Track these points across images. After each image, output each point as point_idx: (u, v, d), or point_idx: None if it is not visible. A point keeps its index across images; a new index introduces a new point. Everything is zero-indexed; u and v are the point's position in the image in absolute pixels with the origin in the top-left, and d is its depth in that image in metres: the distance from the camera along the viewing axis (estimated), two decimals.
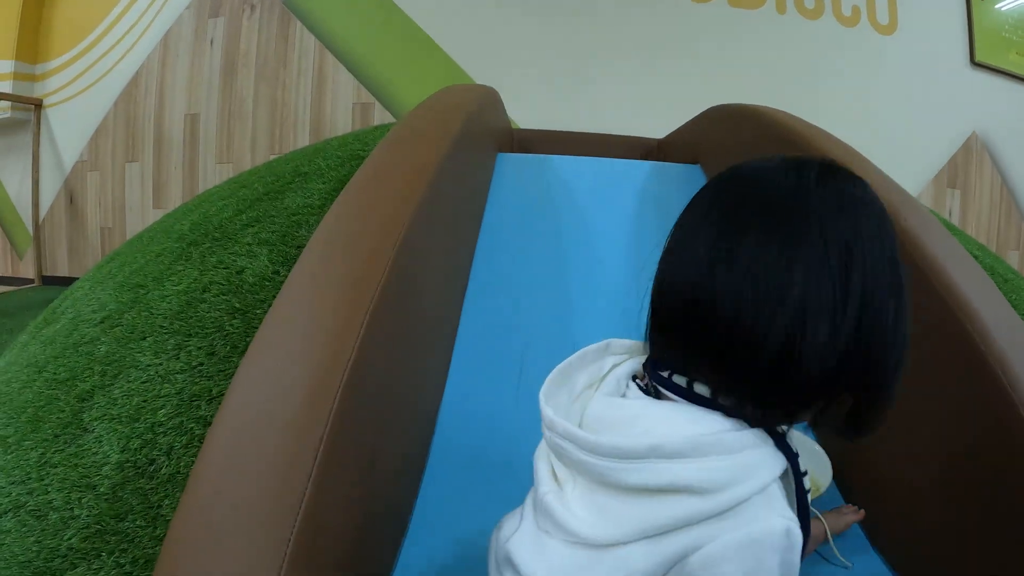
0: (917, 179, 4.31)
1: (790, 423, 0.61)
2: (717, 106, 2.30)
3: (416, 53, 3.80)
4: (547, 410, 0.62)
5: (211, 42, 3.83)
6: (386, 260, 0.80)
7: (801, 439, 0.98)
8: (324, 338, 0.70)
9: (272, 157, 3.67)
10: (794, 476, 0.61)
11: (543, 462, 0.65)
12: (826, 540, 0.97)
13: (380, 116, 3.78)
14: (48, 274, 4.18)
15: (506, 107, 2.81)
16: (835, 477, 1.06)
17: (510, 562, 0.62)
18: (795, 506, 0.60)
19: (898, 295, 0.57)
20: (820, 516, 0.98)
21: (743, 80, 3.99)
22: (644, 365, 0.66)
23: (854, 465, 1.08)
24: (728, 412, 0.59)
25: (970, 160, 4.40)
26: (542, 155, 2.28)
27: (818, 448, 1.04)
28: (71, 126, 4.08)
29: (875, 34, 4.22)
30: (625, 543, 0.56)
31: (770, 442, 0.59)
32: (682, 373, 0.61)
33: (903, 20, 4.24)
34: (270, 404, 0.64)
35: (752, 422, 0.58)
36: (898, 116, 4.23)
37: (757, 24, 4.05)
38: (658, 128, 2.88)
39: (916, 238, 1.04)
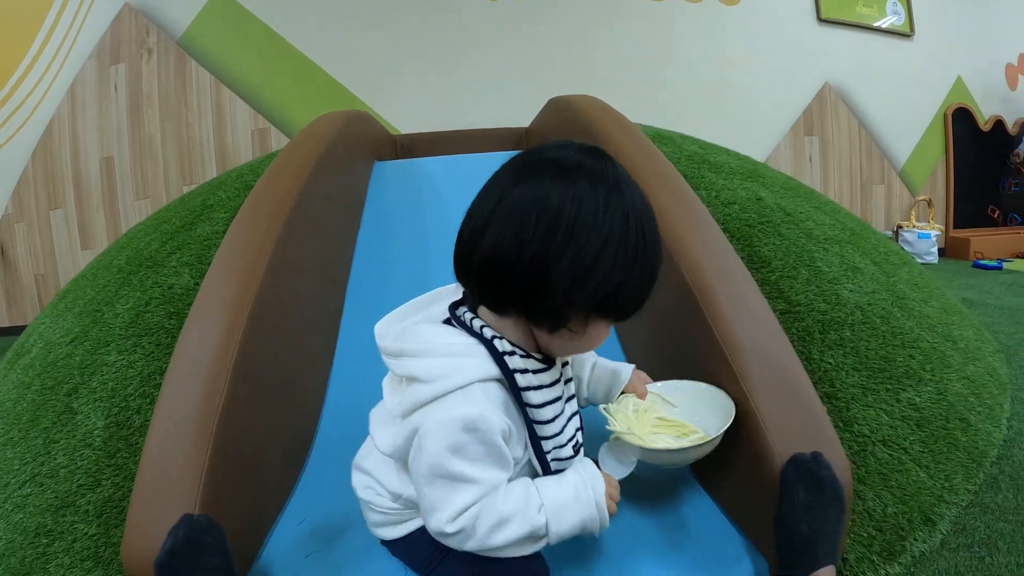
0: (774, 131, 4.77)
1: (539, 328, 0.77)
2: (555, 98, 2.58)
3: (302, 78, 4.11)
4: (379, 327, 0.86)
5: (115, 87, 3.99)
6: (260, 272, 1.20)
7: (702, 389, 1.05)
8: (220, 329, 1.08)
9: (185, 188, 3.93)
10: (511, 389, 0.78)
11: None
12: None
13: (277, 138, 4.09)
14: None
15: (389, 115, 3.12)
16: None
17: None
18: (519, 410, 0.80)
19: (608, 246, 0.71)
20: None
21: (600, 64, 4.40)
22: (450, 305, 0.86)
23: None
24: (472, 333, 0.79)
25: (825, 109, 4.87)
26: (418, 159, 2.56)
27: (721, 399, 1.00)
28: None
29: (721, 5, 4.62)
30: (402, 417, 0.78)
31: (485, 355, 0.77)
32: (469, 308, 0.83)
33: None
34: (191, 369, 1.02)
35: (487, 341, 0.78)
36: (751, 78, 4.67)
37: (608, 10, 4.43)
38: (525, 116, 3.13)
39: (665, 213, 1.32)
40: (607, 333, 0.81)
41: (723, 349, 1.02)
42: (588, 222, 0.70)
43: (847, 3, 4.94)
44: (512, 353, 0.79)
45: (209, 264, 1.52)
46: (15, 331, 4.02)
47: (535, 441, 0.82)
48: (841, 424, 1.28)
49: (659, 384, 1.08)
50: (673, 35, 4.55)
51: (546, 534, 0.78)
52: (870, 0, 5.01)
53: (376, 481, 0.89)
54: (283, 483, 1.17)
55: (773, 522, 0.87)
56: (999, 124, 5.42)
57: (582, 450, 0.91)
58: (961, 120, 5.30)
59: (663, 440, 0.97)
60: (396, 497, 0.88)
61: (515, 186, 0.73)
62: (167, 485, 0.87)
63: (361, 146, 2.39)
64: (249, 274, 1.18)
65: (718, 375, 1.04)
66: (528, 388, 0.79)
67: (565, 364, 0.91)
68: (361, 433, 0.95)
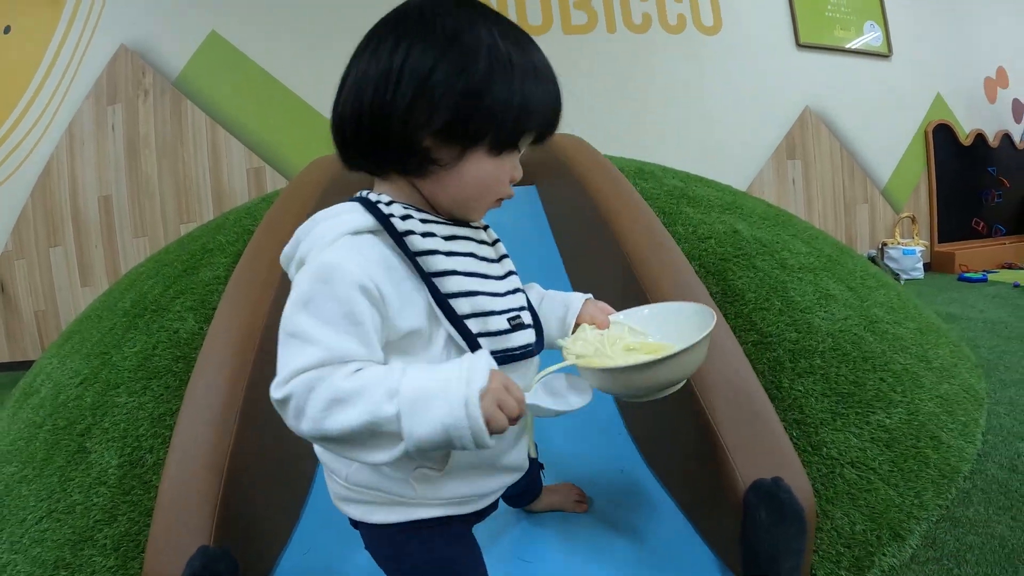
0: (757, 157, 4.83)
1: (420, 166, 0.75)
2: None
3: (296, 118, 4.17)
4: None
5: (112, 127, 4.04)
6: (262, 319, 1.29)
7: (671, 309, 0.94)
8: (227, 375, 1.16)
9: (182, 226, 3.99)
10: (392, 235, 0.74)
11: None
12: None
13: (272, 176, 4.14)
14: None
15: None
16: None
17: None
18: (414, 270, 0.74)
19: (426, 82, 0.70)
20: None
21: (584, 97, 4.40)
22: None
23: None
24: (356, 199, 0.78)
25: (806, 132, 4.94)
26: None
27: (694, 312, 0.89)
28: None
29: (701, 36, 4.70)
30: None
31: (359, 210, 0.75)
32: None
33: (727, 19, 4.74)
34: (202, 413, 1.10)
35: (363, 199, 0.77)
36: (733, 105, 4.74)
37: (591, 45, 4.52)
38: None
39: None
40: (501, 172, 0.79)
41: (691, 385, 1.10)
42: (418, 49, 0.70)
43: (825, 27, 5.04)
44: (392, 203, 0.76)
45: (212, 308, 1.61)
46: (15, 366, 4.10)
47: (445, 308, 0.74)
48: (810, 448, 1.36)
49: (622, 313, 0.95)
50: (655, 65, 4.62)
51: (399, 431, 0.64)
52: (847, 23, 5.11)
53: None
54: (288, 516, 1.25)
55: (739, 541, 0.94)
56: (980, 137, 5.52)
57: (531, 332, 0.85)
58: (942, 136, 5.39)
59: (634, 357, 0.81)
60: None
61: (355, 57, 0.76)
62: (184, 519, 0.94)
63: (353, 187, 2.40)
64: (252, 321, 1.26)
65: (687, 409, 1.11)
66: (411, 233, 0.74)
67: (494, 239, 0.90)
68: None
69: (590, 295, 0.96)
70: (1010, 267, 5.06)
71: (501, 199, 0.83)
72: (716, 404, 1.05)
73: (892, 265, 4.84)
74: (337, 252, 0.70)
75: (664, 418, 1.27)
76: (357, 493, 0.81)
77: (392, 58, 0.71)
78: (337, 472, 0.81)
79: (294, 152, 4.15)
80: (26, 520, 1.31)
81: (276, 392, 0.66)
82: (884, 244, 5.01)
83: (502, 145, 0.76)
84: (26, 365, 3.97)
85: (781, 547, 0.90)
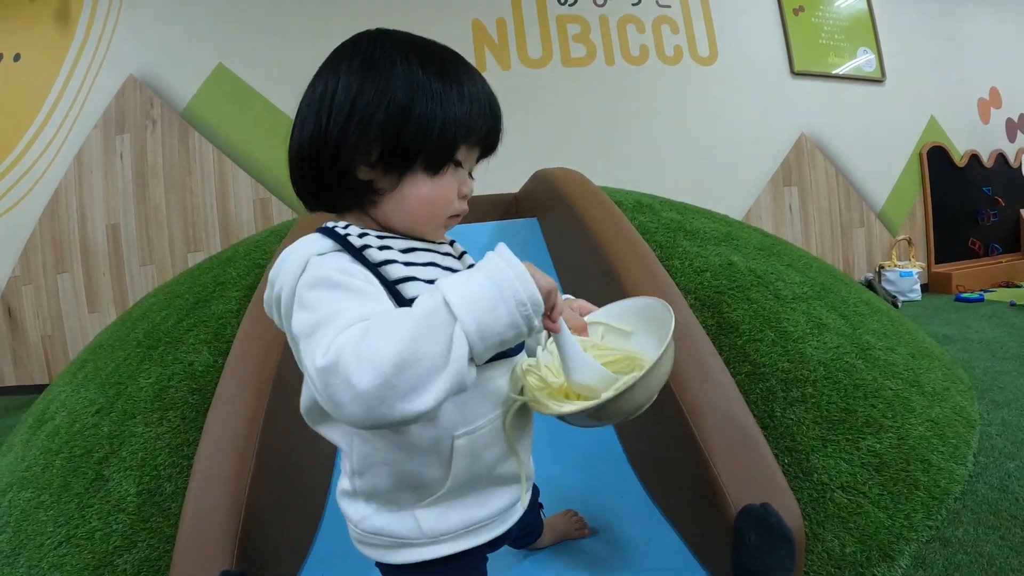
0: (755, 184, 4.89)
1: (366, 198, 0.78)
2: (540, 170, 2.73)
3: None
4: None
5: (120, 156, 4.14)
6: (276, 355, 1.35)
7: (640, 305, 0.89)
8: (245, 408, 1.22)
9: (189, 255, 4.05)
10: (351, 252, 0.75)
11: None
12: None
13: (278, 207, 4.20)
14: None
15: None
16: None
17: None
18: (366, 268, 0.74)
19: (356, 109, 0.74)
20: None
21: (583, 129, 4.53)
22: None
23: None
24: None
25: (802, 158, 5.01)
26: None
27: (657, 310, 0.84)
28: (1, 244, 4.23)
29: (698, 66, 4.79)
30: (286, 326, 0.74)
31: (318, 237, 0.76)
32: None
33: (723, 50, 4.83)
34: (222, 443, 1.16)
35: (323, 228, 0.77)
36: (730, 134, 4.81)
37: (590, 78, 4.59)
38: (520, 181, 3.13)
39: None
40: (443, 191, 0.80)
41: (687, 419, 1.15)
42: (344, 75, 0.76)
43: (819, 55, 5.12)
44: (348, 226, 0.77)
45: (225, 342, 1.66)
46: (22, 390, 4.17)
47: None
48: (801, 474, 1.41)
49: (602, 311, 0.91)
50: (653, 96, 4.68)
51: (452, 316, 0.63)
52: (841, 50, 5.19)
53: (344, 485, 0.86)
54: (303, 541, 1.30)
55: (731, 564, 0.99)
56: (974, 158, 5.60)
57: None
58: (936, 158, 5.46)
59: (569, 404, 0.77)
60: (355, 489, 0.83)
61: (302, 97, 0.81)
62: (206, 544, 1.00)
63: None
64: (266, 358, 1.32)
65: (681, 439, 1.16)
66: (367, 247, 0.75)
67: (461, 252, 0.91)
68: None
69: (569, 296, 0.93)
70: (1007, 285, 5.11)
71: (456, 216, 0.84)
72: (710, 435, 1.11)
73: (889, 287, 4.89)
74: (310, 270, 0.70)
75: (661, 447, 1.31)
76: (369, 538, 0.83)
77: (326, 86, 0.76)
78: (351, 518, 0.84)
79: None
80: (44, 545, 1.36)
81: (321, 360, 0.61)
82: (881, 267, 5.06)
83: (437, 164, 0.78)
84: (32, 389, 4.07)
85: (769, 566, 0.95)
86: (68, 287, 4.19)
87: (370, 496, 0.81)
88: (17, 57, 4.28)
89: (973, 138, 5.76)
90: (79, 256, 4.17)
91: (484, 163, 0.84)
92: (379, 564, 0.86)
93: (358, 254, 0.74)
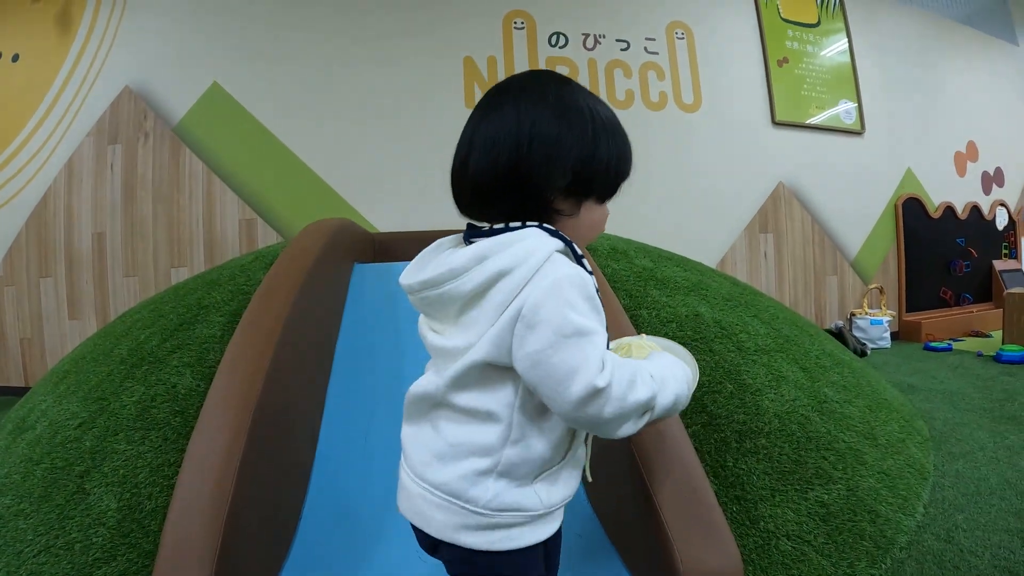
0: (731, 230, 4.99)
1: (549, 216, 0.84)
2: None
3: (290, 174, 4.26)
4: (405, 280, 0.88)
5: (111, 166, 4.18)
6: (259, 383, 1.41)
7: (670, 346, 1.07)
8: (228, 430, 1.28)
9: (172, 270, 4.08)
10: (573, 253, 0.83)
11: (425, 329, 0.91)
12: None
13: (263, 229, 4.21)
14: None
15: (368, 214, 3.26)
16: None
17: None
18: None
19: (558, 143, 0.81)
20: None
21: None
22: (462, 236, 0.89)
23: None
24: (512, 228, 0.82)
25: (779, 206, 5.12)
26: (394, 263, 2.71)
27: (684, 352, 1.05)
28: None
29: (682, 113, 4.88)
30: (494, 317, 0.78)
31: (544, 233, 0.81)
32: (486, 220, 0.87)
33: (707, 97, 4.93)
34: (204, 462, 1.22)
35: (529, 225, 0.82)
36: (710, 181, 4.90)
37: None
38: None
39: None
40: (605, 215, 0.91)
41: (640, 467, 1.22)
42: (542, 118, 0.82)
43: (800, 106, 5.25)
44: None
45: (208, 367, 1.72)
46: None
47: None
48: (748, 522, 1.49)
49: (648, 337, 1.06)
50: (636, 140, 4.53)
51: (655, 405, 0.81)
52: (822, 101, 5.33)
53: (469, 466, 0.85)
54: (279, 551, 1.36)
55: None
56: (949, 210, 5.77)
57: None
58: (911, 209, 5.61)
59: None
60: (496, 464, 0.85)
61: (473, 120, 0.86)
62: (186, 562, 1.05)
63: (343, 253, 2.54)
64: (249, 388, 1.38)
65: (637, 487, 1.22)
66: (583, 259, 0.84)
67: None
68: (339, 508, 1.18)
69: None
70: (976, 335, 5.25)
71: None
72: (663, 483, 1.18)
73: (860, 335, 5.00)
74: (567, 265, 0.79)
75: (618, 493, 1.37)
76: (498, 516, 0.84)
77: (519, 124, 0.82)
78: (478, 500, 0.84)
79: (286, 208, 4.25)
80: (23, 552, 1.41)
81: (599, 381, 0.75)
82: (853, 314, 5.18)
83: (607, 194, 0.90)
84: (8, 391, 4.09)
85: None
86: (50, 292, 4.22)
87: (505, 472, 0.84)
88: (16, 58, 4.33)
89: (949, 190, 5.92)
90: (63, 262, 4.20)
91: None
92: (479, 556, 0.85)
93: (578, 260, 0.83)
